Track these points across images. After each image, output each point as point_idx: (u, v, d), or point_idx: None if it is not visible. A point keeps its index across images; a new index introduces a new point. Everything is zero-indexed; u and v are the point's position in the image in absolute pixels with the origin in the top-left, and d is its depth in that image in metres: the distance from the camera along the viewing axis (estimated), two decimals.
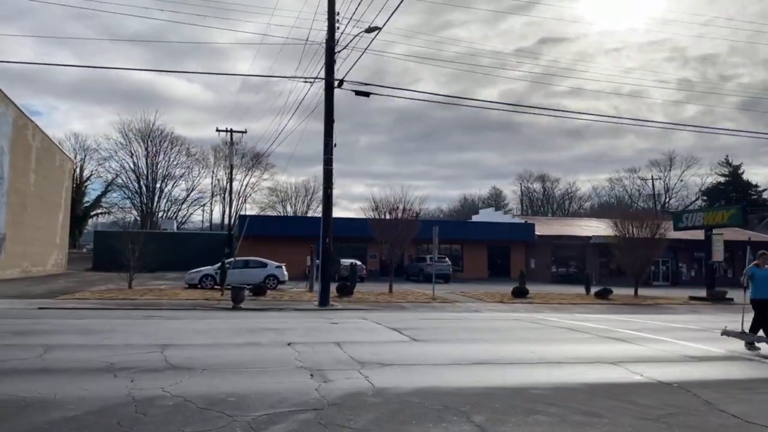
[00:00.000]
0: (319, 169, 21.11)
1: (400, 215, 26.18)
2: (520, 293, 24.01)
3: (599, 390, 6.78)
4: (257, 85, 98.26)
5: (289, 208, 77.33)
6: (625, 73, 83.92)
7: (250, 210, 67.58)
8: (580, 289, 28.25)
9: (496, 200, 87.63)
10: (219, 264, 24.35)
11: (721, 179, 73.83)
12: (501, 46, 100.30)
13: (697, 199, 75.15)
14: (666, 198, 77.97)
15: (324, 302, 18.26)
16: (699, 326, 15.00)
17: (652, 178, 75.06)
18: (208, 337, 10.74)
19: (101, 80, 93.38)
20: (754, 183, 72.91)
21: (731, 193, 69.99)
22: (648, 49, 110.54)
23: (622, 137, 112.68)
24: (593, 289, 26.29)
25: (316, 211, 69.83)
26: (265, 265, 26.38)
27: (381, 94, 20.05)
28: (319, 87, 19.39)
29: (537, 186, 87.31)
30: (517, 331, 13.02)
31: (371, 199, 28.16)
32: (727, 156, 75.02)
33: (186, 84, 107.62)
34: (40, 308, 15.72)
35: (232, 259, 24.85)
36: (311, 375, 7.24)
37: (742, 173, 73.68)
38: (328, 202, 19.19)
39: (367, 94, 19.03)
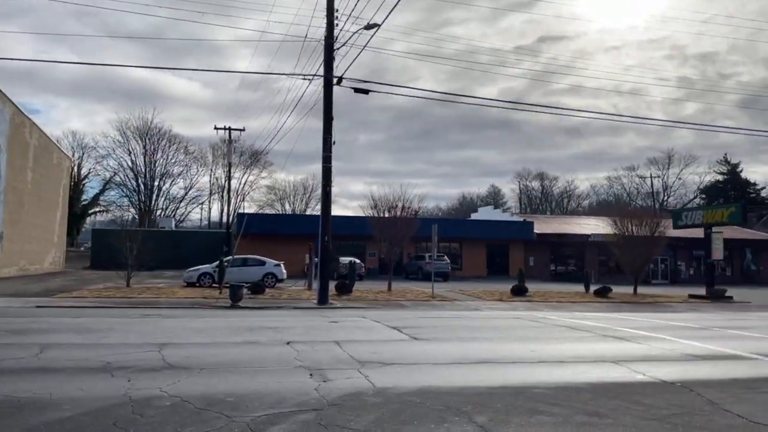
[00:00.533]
0: (317, 167, 21.08)
1: (398, 213, 26.12)
2: (519, 291, 23.97)
3: (602, 389, 6.71)
4: (256, 82, 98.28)
5: (287, 206, 77.39)
6: (625, 71, 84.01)
7: (249, 208, 67.59)
8: (579, 287, 28.25)
9: (494, 198, 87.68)
10: (217, 262, 24.27)
11: (720, 177, 73.93)
12: (500, 43, 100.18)
13: (695, 197, 75.27)
14: (664, 196, 78.13)
15: (323, 300, 18.20)
16: (699, 324, 14.96)
17: (651, 176, 75.33)
18: (207, 335, 10.67)
19: (100, 78, 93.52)
20: (752, 181, 73.16)
21: (730, 191, 70.04)
22: (648, 47, 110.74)
23: (621, 135, 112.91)
24: (592, 287, 26.27)
25: (314, 209, 69.84)
26: (263, 264, 26.29)
27: (380, 92, 20.02)
28: (318, 84, 19.36)
29: (535, 184, 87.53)
30: (518, 330, 12.96)
31: (370, 197, 28.09)
32: (725, 154, 75.28)
33: (184, 82, 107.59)
34: (37, 307, 15.63)
35: (230, 257, 24.80)
36: (311, 374, 7.16)
37: (741, 171, 73.85)
38: (326, 200, 19.13)
39: (366, 92, 18.97)
